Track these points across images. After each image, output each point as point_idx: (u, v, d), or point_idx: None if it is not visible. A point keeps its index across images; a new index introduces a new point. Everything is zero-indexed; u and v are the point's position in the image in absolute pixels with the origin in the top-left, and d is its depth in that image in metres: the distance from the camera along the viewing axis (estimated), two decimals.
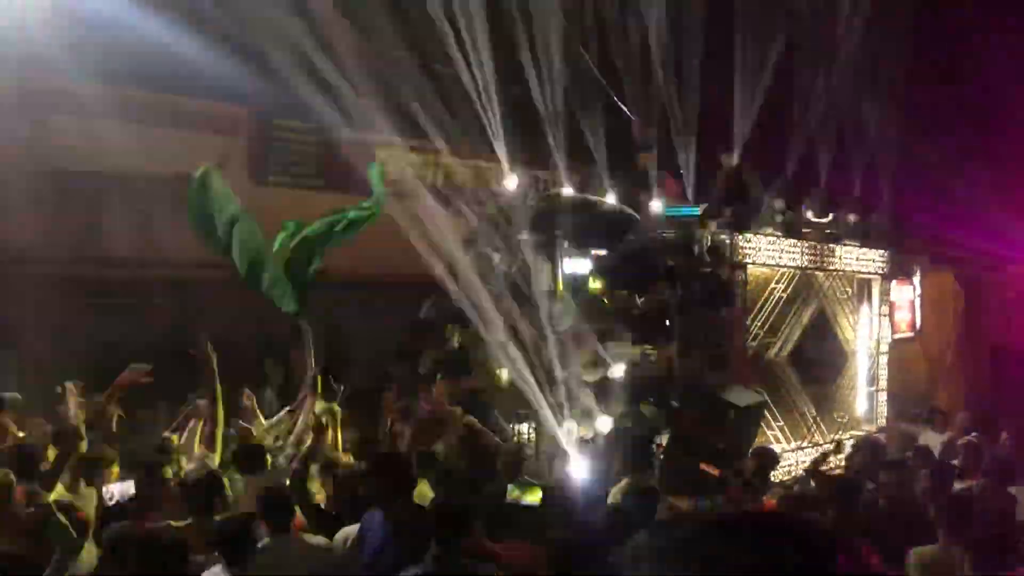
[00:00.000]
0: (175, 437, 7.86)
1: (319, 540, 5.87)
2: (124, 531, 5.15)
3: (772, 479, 9.23)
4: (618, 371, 9.67)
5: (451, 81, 12.42)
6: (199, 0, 11.15)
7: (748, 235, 10.19)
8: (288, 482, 6.47)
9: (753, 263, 10.25)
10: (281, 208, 14.35)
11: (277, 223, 14.34)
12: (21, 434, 8.25)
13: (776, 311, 10.60)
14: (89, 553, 5.30)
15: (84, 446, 6.72)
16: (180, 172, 13.50)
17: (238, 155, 14.39)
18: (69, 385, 7.96)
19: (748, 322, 10.20)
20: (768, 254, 10.38)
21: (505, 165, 10.72)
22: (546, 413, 9.60)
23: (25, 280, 12.37)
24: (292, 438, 7.05)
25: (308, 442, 6.95)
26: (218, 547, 5.15)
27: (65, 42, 11.08)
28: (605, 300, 9.86)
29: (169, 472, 6.77)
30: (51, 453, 6.91)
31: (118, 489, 6.25)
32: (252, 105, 14.14)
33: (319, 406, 7.84)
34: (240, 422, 8.20)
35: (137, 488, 6.17)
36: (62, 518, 5.10)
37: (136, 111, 13.10)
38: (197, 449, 7.37)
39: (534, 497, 6.28)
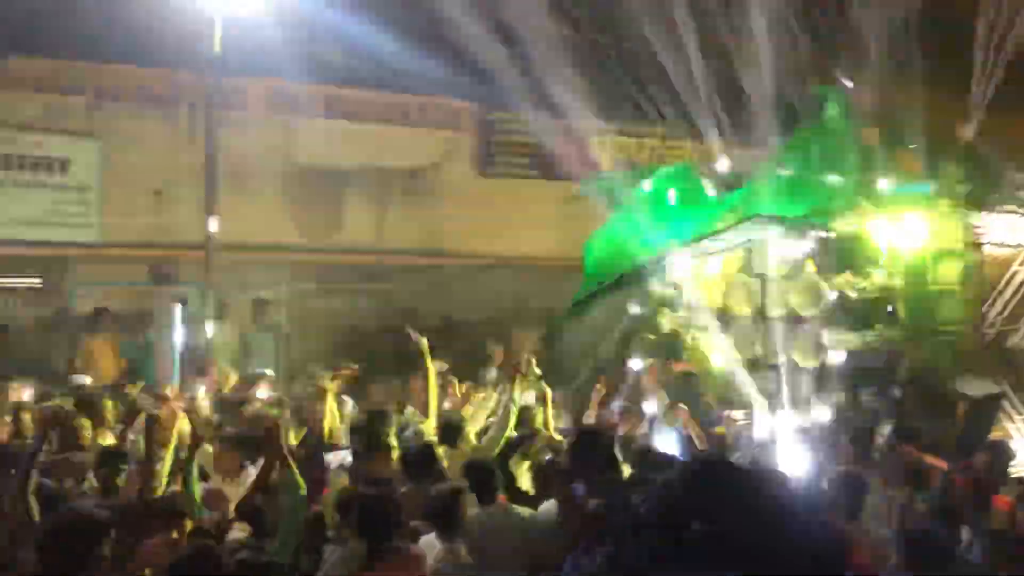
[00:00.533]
0: (397, 409, 8.39)
1: (524, 511, 6.07)
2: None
3: (1009, 475, 8.53)
4: (838, 358, 9.28)
5: (662, 65, 12.37)
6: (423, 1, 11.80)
7: (985, 213, 9.42)
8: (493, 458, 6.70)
9: (990, 243, 9.47)
10: (505, 198, 15.02)
11: (501, 213, 15.03)
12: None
13: (1019, 295, 9.72)
14: None
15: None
16: (411, 166, 14.51)
17: (464, 149, 15.16)
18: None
19: (985, 307, 9.44)
20: (1007, 233, 9.54)
21: (718, 145, 10.56)
22: (759, 400, 9.39)
23: (277, 266, 13.74)
24: (498, 418, 7.33)
25: (512, 421, 7.21)
26: (431, 517, 5.45)
27: (305, 48, 12.15)
28: (823, 283, 9.47)
29: (393, 441, 7.14)
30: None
31: (337, 457, 6.72)
32: (476, 100, 14.80)
33: (529, 387, 8.07)
34: (451, 397, 8.64)
35: (354, 457, 6.64)
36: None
37: (370, 110, 14.12)
38: (415, 420, 7.85)
39: None
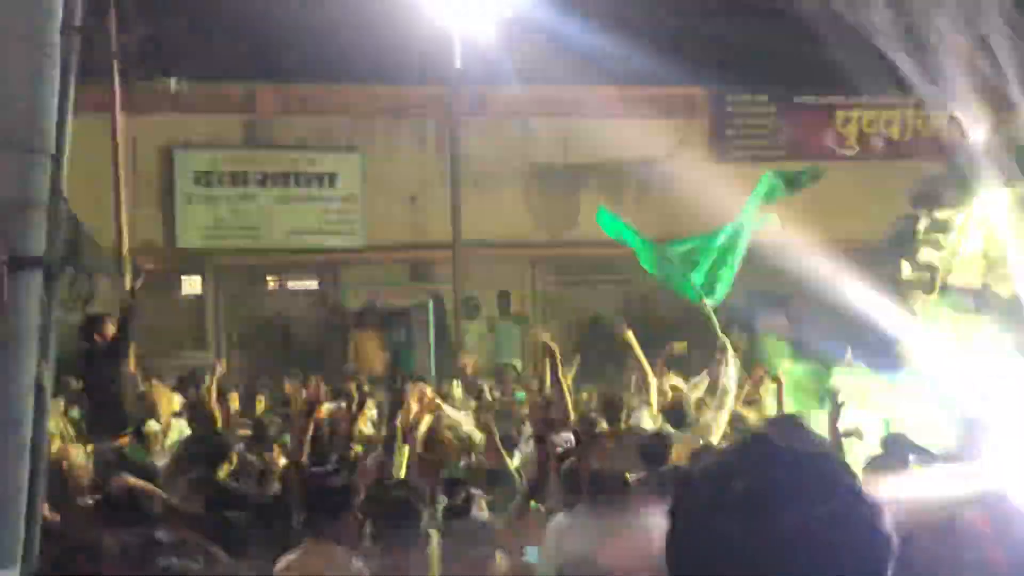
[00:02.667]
0: (627, 393, 8.63)
1: None
2: None
3: None
4: None
5: (911, 27, 11.63)
6: None
7: None
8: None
9: None
10: (743, 183, 14.72)
11: (740, 199, 14.73)
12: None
13: None
14: None
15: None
16: (645, 157, 14.67)
17: (697, 135, 15.09)
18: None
19: None
20: None
21: (969, 115, 9.80)
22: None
23: (520, 261, 14.47)
24: (715, 399, 7.36)
25: (727, 403, 7.22)
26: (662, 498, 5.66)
27: (538, 52, 12.67)
28: None
29: (618, 425, 7.38)
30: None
31: (561, 439, 7.05)
32: (706, 84, 14.68)
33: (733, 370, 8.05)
34: (672, 380, 8.73)
35: (577, 439, 6.96)
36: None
37: (600, 105, 14.43)
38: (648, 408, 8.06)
39: None
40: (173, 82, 11.01)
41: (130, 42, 11.05)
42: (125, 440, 6.40)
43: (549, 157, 14.26)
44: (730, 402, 7.13)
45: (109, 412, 6.56)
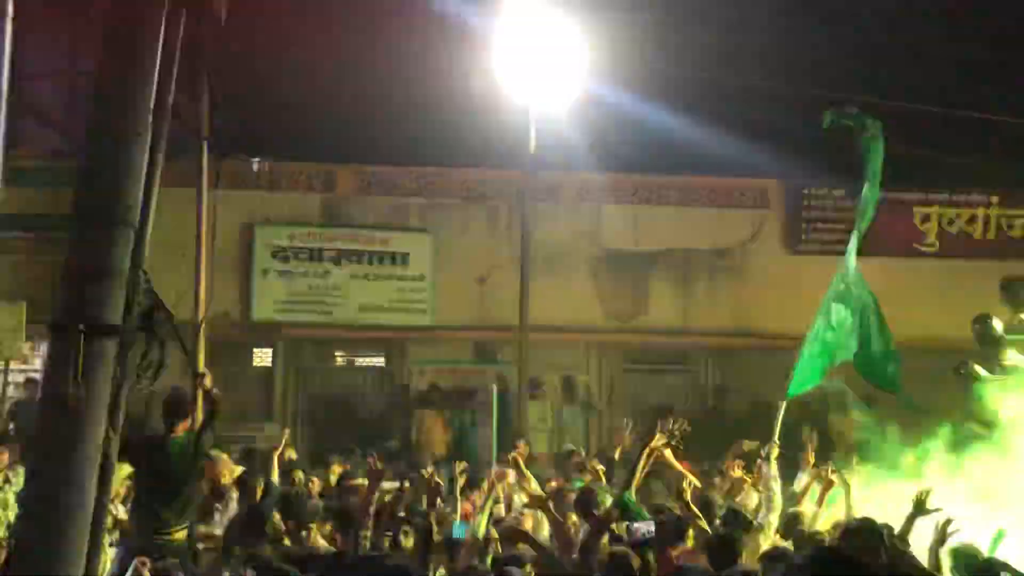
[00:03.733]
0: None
1: None
2: None
3: None
4: None
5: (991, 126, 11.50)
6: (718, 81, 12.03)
7: None
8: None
9: None
10: (815, 276, 14.50)
11: (812, 291, 14.46)
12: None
13: None
14: None
15: None
16: (717, 246, 14.61)
17: (772, 227, 14.97)
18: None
19: None
20: None
21: None
22: None
23: (586, 346, 14.40)
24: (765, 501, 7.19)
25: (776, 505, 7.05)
26: None
27: (611, 138, 12.85)
28: None
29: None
30: None
31: (644, 527, 6.89)
32: (782, 177, 14.62)
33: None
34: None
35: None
36: None
37: (674, 194, 14.49)
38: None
39: None
40: (255, 162, 11.41)
41: (218, 122, 11.53)
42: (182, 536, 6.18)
43: (619, 243, 14.29)
44: (778, 503, 6.93)
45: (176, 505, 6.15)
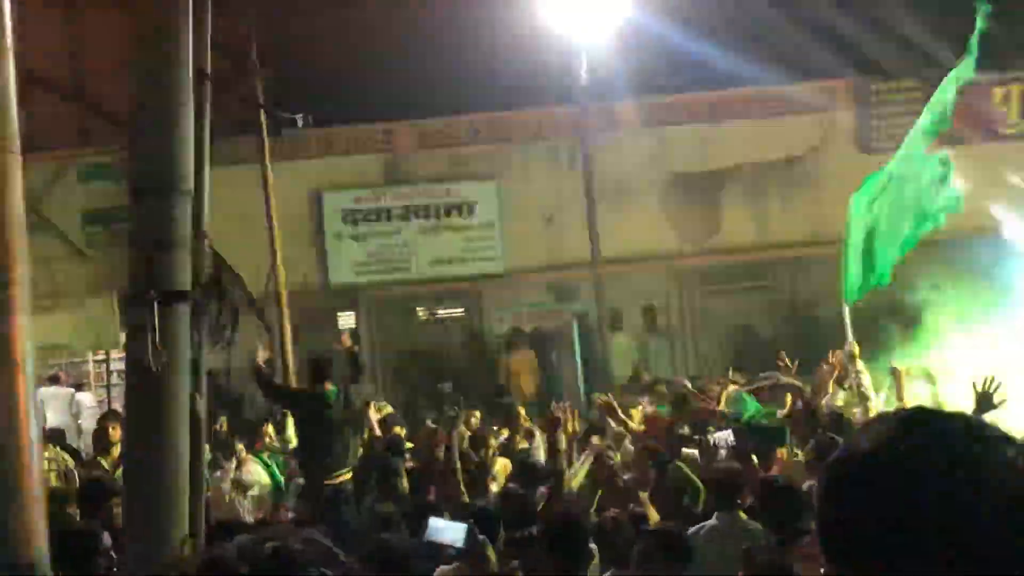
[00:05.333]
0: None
1: None
2: None
3: None
4: None
5: None
6: None
7: None
8: None
9: None
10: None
11: None
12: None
13: None
14: None
15: None
16: (787, 156, 14.20)
17: (843, 128, 14.47)
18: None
19: None
20: None
21: None
22: None
23: (663, 274, 14.26)
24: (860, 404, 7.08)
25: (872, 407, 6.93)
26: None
27: (668, 60, 12.54)
28: None
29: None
30: None
31: (722, 436, 6.89)
32: (848, 75, 14.09)
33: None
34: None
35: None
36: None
37: (738, 108, 14.10)
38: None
39: None
40: (299, 120, 11.51)
41: (268, 90, 11.67)
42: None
43: (686, 165, 14.02)
44: (871, 396, 6.86)
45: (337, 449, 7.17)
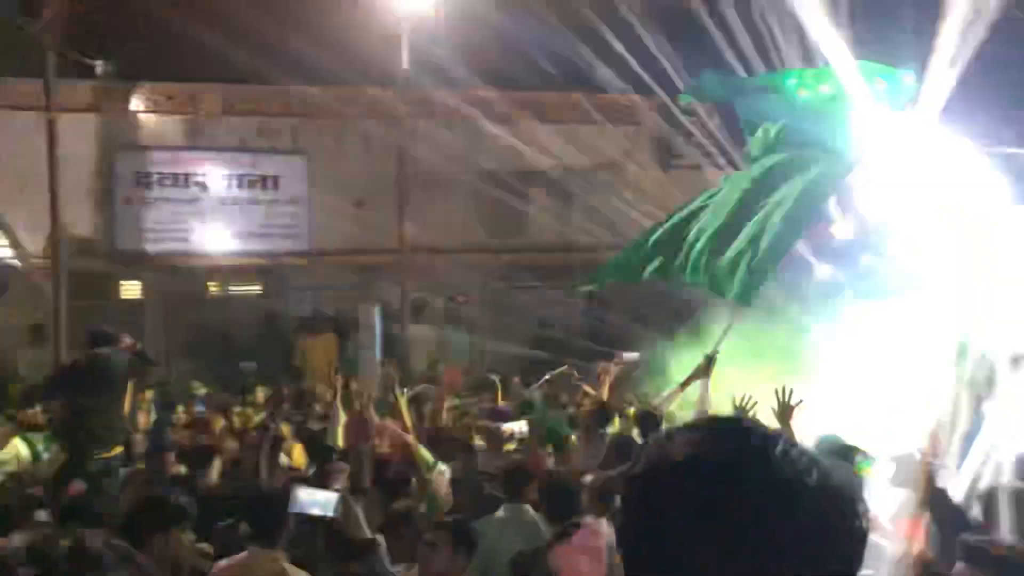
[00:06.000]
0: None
1: None
2: None
3: None
4: None
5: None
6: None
7: None
8: None
9: None
10: (689, 190, 14.81)
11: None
12: None
13: None
14: None
15: None
16: (594, 163, 14.71)
17: (647, 142, 15.17)
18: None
19: None
20: None
21: None
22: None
23: (467, 267, 14.36)
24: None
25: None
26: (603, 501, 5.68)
27: (489, 56, 12.61)
28: None
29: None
30: None
31: (513, 426, 7.03)
32: (654, 94, 14.73)
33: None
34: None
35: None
36: None
37: (551, 111, 14.44)
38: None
39: None
40: (98, 68, 10.70)
41: (66, 31, 10.75)
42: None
43: (499, 162, 14.19)
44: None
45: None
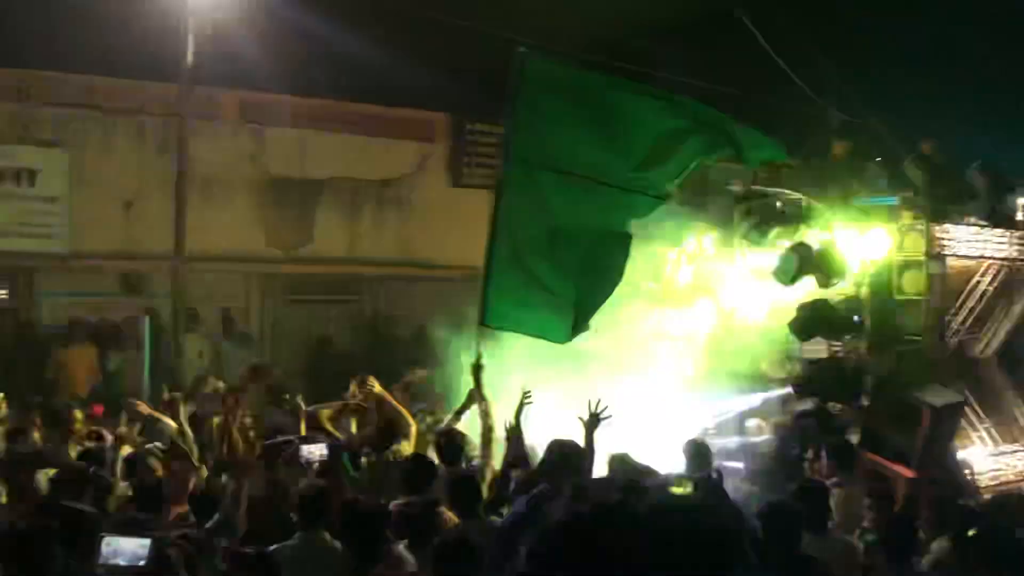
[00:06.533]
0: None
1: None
2: None
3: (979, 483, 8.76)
4: (806, 367, 9.41)
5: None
6: (396, 11, 11.85)
7: (947, 225, 9.58)
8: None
9: (954, 255, 9.62)
10: (478, 209, 14.97)
11: (473, 225, 14.88)
12: None
13: (981, 306, 9.90)
14: None
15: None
16: (385, 176, 14.54)
17: (437, 159, 15.17)
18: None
19: (947, 318, 9.60)
20: (970, 245, 9.71)
21: None
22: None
23: (247, 277, 13.73)
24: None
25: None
26: (402, 528, 5.49)
27: (278, 59, 12.16)
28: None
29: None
30: None
31: (315, 450, 6.74)
32: (449, 110, 14.83)
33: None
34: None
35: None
36: None
37: (342, 121, 14.13)
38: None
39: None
40: None
41: None
42: None
43: (284, 169, 13.67)
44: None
45: None
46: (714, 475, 5.68)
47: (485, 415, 7.36)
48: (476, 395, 7.31)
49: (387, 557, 5.17)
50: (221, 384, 10.49)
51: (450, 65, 12.83)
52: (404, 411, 8.11)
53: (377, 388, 8.18)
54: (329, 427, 7.69)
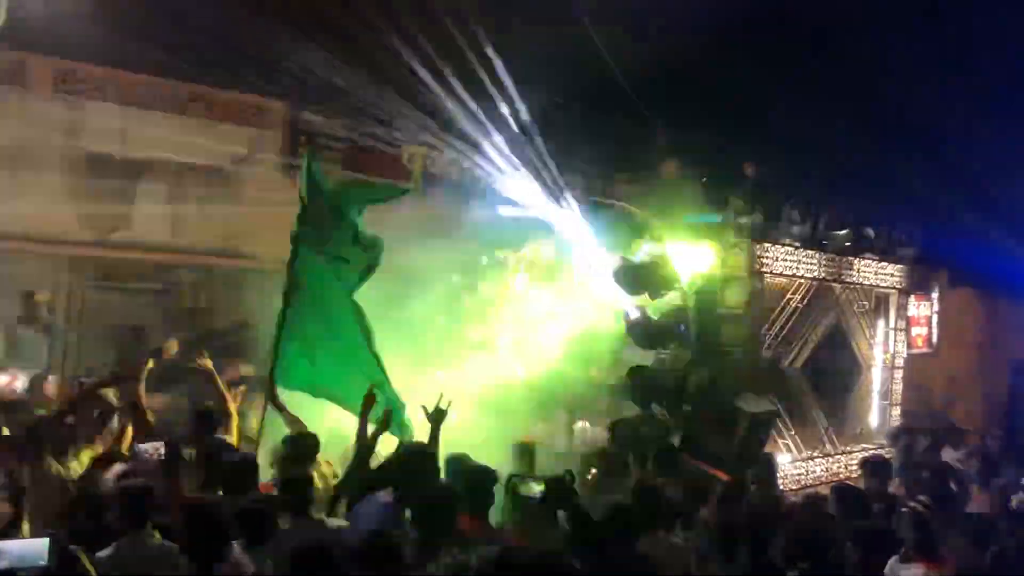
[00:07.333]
0: None
1: (339, 523, 6.01)
2: None
3: (780, 486, 9.38)
4: (633, 373, 9.79)
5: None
6: None
7: (766, 245, 10.27)
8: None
9: (771, 273, 10.31)
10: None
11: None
12: None
13: (792, 321, 10.68)
14: None
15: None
16: (213, 162, 13.80)
17: (269, 148, 14.57)
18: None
19: (763, 331, 10.28)
20: (785, 264, 10.45)
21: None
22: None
23: (53, 260, 12.69)
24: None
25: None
26: (239, 526, 5.30)
27: (103, 29, 11.34)
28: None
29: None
30: None
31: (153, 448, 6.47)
32: (284, 97, 14.31)
33: None
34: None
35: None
36: None
37: (169, 101, 13.35)
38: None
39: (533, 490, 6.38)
40: None
41: None
42: None
43: (102, 146, 12.73)
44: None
45: None
46: (567, 477, 5.82)
47: (293, 422, 7.55)
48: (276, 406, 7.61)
49: (229, 560, 4.96)
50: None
51: (289, 51, 12.41)
52: (230, 400, 7.97)
53: (208, 364, 8.08)
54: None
